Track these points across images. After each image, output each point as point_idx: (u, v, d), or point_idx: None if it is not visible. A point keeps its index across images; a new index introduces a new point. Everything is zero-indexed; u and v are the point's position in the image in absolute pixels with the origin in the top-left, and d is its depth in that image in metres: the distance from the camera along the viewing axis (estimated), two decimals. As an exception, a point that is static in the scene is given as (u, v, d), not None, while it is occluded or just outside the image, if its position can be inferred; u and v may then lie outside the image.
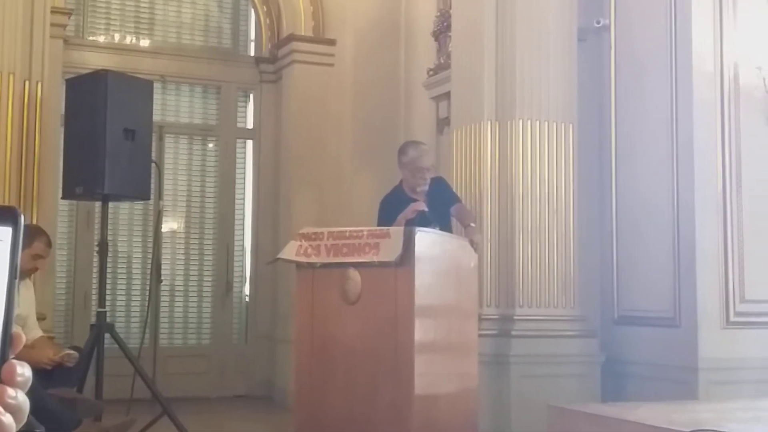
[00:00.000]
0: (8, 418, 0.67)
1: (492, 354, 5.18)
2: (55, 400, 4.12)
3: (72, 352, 4.82)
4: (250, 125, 8.58)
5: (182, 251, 8.22)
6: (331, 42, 8.07)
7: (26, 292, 4.76)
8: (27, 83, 5.81)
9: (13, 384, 0.68)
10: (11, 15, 5.78)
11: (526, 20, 5.50)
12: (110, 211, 5.75)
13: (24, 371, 0.69)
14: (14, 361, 0.69)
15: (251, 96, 8.59)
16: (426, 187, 4.83)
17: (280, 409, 7.22)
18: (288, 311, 7.18)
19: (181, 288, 8.21)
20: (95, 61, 7.45)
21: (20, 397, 0.68)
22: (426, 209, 4.67)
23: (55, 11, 6.58)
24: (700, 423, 3.60)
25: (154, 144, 6.29)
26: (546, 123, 5.49)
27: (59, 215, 7.41)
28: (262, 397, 7.96)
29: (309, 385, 4.23)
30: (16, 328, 0.71)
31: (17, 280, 0.70)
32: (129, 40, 8.18)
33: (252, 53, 8.66)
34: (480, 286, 5.07)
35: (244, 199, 8.47)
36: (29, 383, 0.69)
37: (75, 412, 4.45)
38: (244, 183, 8.50)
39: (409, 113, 7.34)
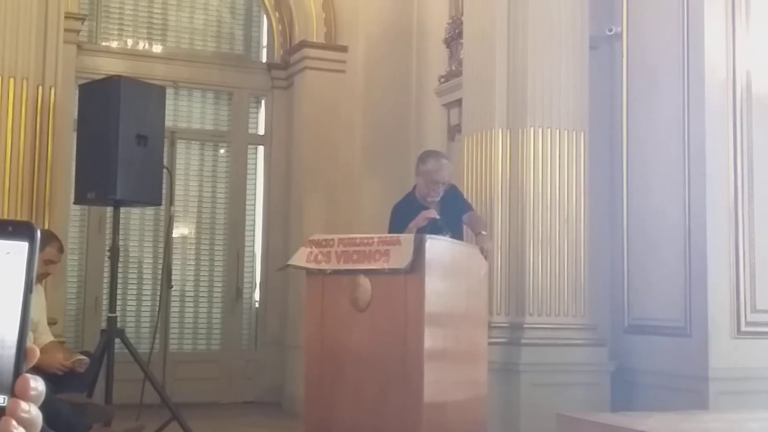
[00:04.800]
0: (21, 432, 0.68)
1: (502, 362, 5.17)
2: (65, 405, 4.14)
3: (83, 357, 4.84)
4: (261, 131, 8.60)
5: (193, 257, 8.24)
6: (343, 48, 8.08)
7: (37, 297, 4.78)
8: (40, 88, 5.84)
9: (26, 398, 0.68)
10: (25, 20, 5.81)
11: (537, 28, 5.50)
12: (122, 216, 5.77)
13: (37, 385, 0.69)
14: (28, 375, 0.70)
15: (263, 102, 8.61)
16: (437, 199, 4.84)
17: (290, 415, 7.22)
18: (298, 317, 7.18)
19: (192, 293, 8.23)
20: (108, 66, 7.49)
21: (33, 411, 0.69)
22: (437, 217, 4.67)
23: (68, 17, 6.60)
24: (711, 433, 3.59)
25: (165, 150, 6.31)
26: (557, 131, 5.48)
27: (71, 220, 7.45)
28: (272, 403, 7.97)
29: (318, 391, 4.23)
30: (29, 338, 0.71)
31: (32, 295, 0.71)
32: (142, 45, 8.21)
33: (264, 59, 8.68)
34: (490, 293, 5.06)
35: (254, 204, 8.49)
36: (42, 397, 0.70)
37: (85, 417, 4.47)
38: (255, 189, 8.51)
39: (421, 120, 7.34)
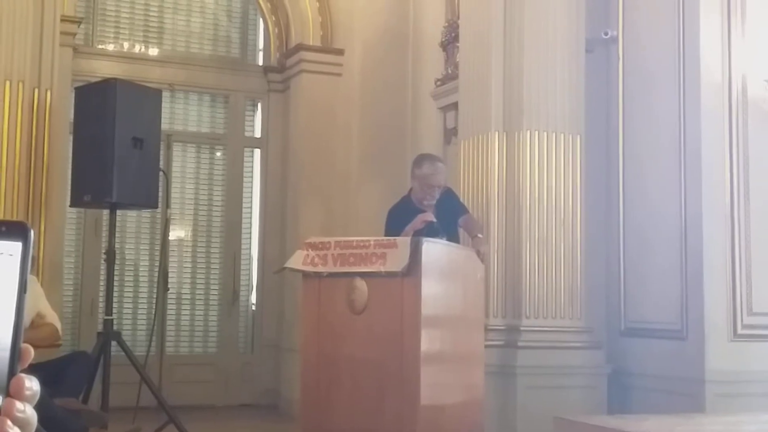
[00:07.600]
0: (16, 432, 0.68)
1: (498, 365, 5.17)
2: (60, 408, 4.13)
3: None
4: (257, 134, 8.60)
5: (189, 259, 8.23)
6: (339, 52, 8.09)
7: (34, 287, 4.76)
8: (36, 91, 5.84)
9: (21, 398, 0.69)
10: (21, 23, 5.81)
11: (533, 31, 5.51)
12: (118, 219, 5.77)
13: (32, 385, 0.69)
14: (23, 375, 0.70)
15: (259, 105, 8.61)
16: (433, 202, 4.84)
17: (286, 418, 7.22)
18: (294, 320, 7.18)
19: (188, 296, 8.22)
20: (104, 69, 7.49)
21: (28, 411, 0.69)
22: (434, 220, 4.67)
23: (64, 20, 6.61)
24: (707, 436, 3.59)
25: (162, 152, 6.31)
26: (553, 134, 5.48)
27: (67, 223, 7.44)
28: (268, 406, 7.96)
29: (315, 394, 4.23)
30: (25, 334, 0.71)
31: (26, 295, 0.71)
32: (138, 48, 8.21)
33: (260, 63, 8.68)
34: (486, 296, 5.06)
35: (251, 207, 8.49)
36: (37, 397, 0.70)
37: (81, 421, 4.46)
38: (252, 192, 8.51)
39: (417, 123, 7.35)
